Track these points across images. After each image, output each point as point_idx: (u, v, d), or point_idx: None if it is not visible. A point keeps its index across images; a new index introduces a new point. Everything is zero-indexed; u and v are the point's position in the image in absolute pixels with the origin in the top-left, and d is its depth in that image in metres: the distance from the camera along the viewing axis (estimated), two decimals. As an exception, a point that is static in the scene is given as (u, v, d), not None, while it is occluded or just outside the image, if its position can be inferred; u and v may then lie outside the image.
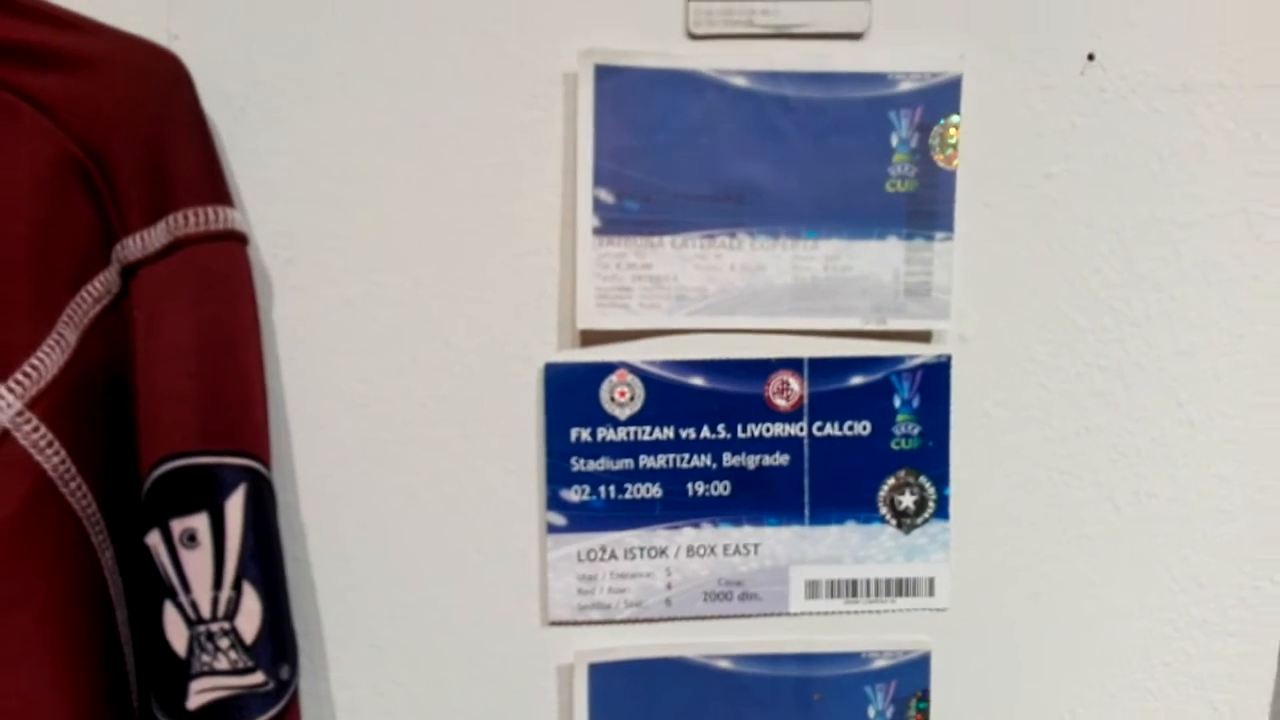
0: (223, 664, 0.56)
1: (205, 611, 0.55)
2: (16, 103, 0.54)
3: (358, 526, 0.63)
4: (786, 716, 0.66)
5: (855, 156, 0.62)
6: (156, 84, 0.55)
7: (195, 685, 0.56)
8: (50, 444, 0.53)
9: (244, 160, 0.60)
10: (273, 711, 0.55)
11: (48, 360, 0.53)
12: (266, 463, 0.57)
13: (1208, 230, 0.65)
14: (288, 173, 0.60)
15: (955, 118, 0.62)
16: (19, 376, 0.52)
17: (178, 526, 0.55)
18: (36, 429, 0.52)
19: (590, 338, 0.63)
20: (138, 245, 0.55)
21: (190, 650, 0.55)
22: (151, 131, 0.55)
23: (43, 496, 0.53)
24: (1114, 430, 0.66)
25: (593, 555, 0.64)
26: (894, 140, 0.63)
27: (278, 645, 0.56)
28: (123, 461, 0.57)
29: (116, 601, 0.57)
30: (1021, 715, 0.68)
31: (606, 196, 0.62)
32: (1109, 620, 0.68)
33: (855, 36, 0.62)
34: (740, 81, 0.62)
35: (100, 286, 0.56)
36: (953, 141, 0.63)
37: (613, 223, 0.62)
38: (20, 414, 0.52)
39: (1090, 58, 0.63)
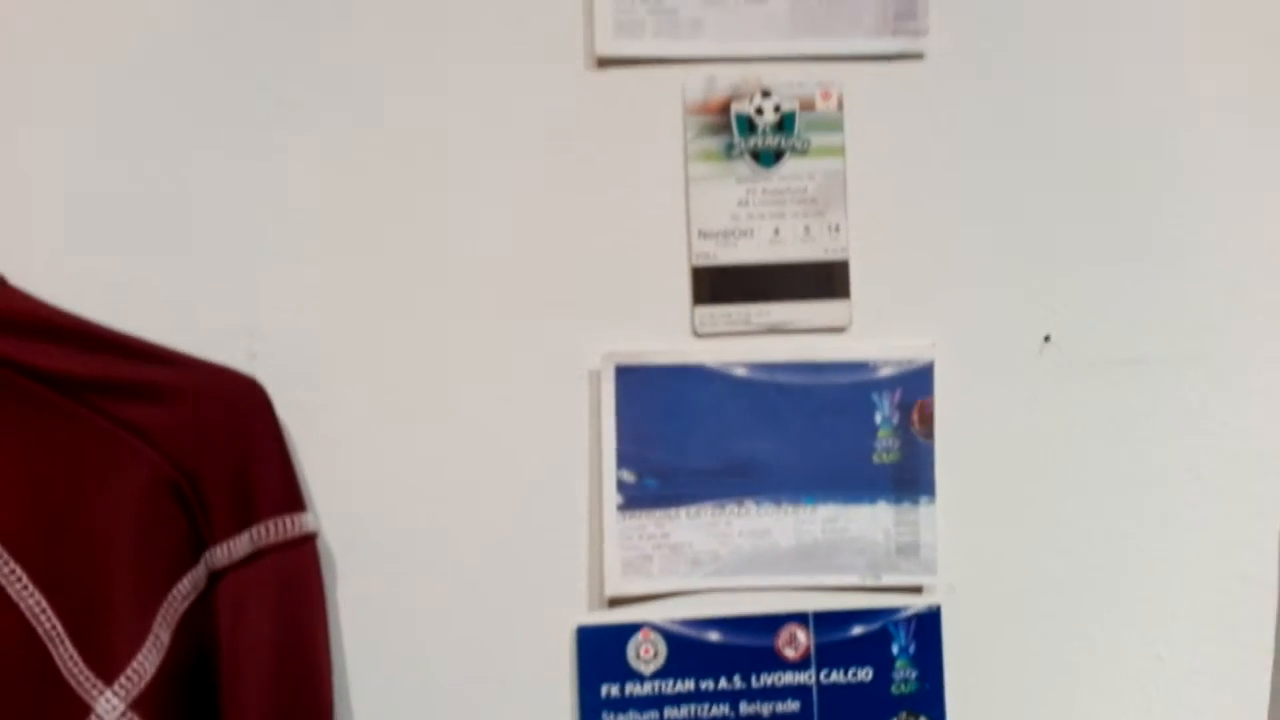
0: None
1: None
2: (120, 432, 0.63)
3: None
4: None
5: (845, 433, 0.71)
6: (239, 409, 0.65)
7: None
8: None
9: (314, 457, 0.69)
10: None
11: (147, 662, 0.61)
12: None
13: (1161, 485, 0.73)
14: (352, 467, 0.69)
15: (930, 397, 0.71)
16: (124, 680, 0.60)
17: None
18: None
19: (616, 600, 0.71)
20: (225, 553, 0.63)
21: None
22: (236, 451, 0.64)
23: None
24: (1093, 668, 0.73)
25: (624, 803, 0.70)
26: (878, 418, 0.71)
27: None
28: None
29: None
30: None
31: (628, 476, 0.70)
32: None
33: (839, 330, 0.71)
34: (741, 372, 0.71)
35: (189, 585, 0.64)
36: (929, 417, 0.71)
37: (634, 499, 0.70)
38: (124, 715, 0.60)
39: (1046, 339, 0.72)
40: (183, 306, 0.68)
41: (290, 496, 0.65)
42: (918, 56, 0.70)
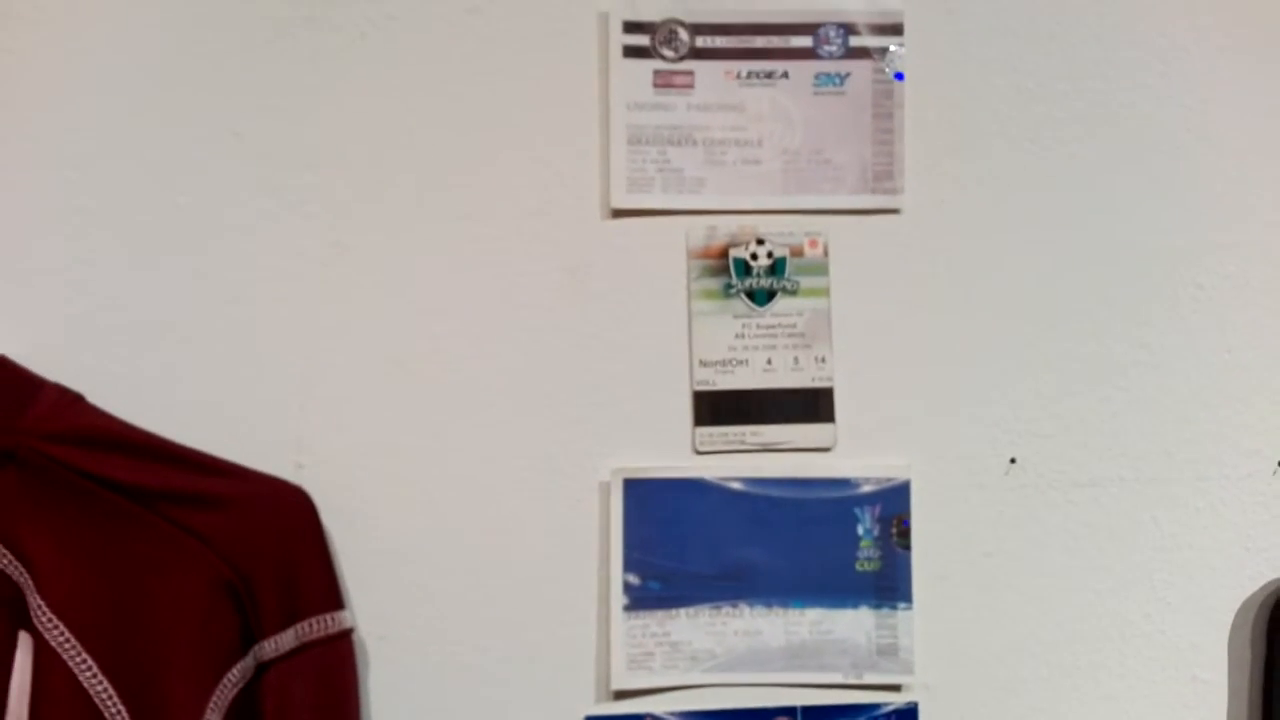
0: None
1: None
2: (182, 536, 0.71)
3: None
4: None
5: (830, 543, 0.79)
6: (288, 515, 0.73)
7: None
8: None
9: (352, 560, 0.77)
10: None
11: None
12: None
13: (1119, 596, 0.80)
14: (385, 569, 0.77)
15: (907, 512, 0.79)
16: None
17: None
18: None
19: (622, 694, 0.77)
20: (272, 647, 0.71)
21: None
22: (284, 554, 0.72)
23: None
24: None
25: None
26: (860, 530, 0.79)
27: None
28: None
29: None
30: None
31: (633, 579, 0.78)
32: None
33: (825, 450, 0.79)
34: (737, 486, 0.79)
35: (239, 674, 0.71)
36: (907, 530, 0.79)
37: (639, 600, 0.77)
38: None
39: (1012, 461, 0.80)
40: (238, 422, 0.76)
41: (332, 596, 0.73)
42: (894, 211, 0.80)
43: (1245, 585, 0.80)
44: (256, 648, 0.71)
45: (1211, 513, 0.80)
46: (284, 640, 0.71)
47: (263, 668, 0.71)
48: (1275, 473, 0.80)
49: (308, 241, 0.77)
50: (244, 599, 0.71)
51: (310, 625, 0.71)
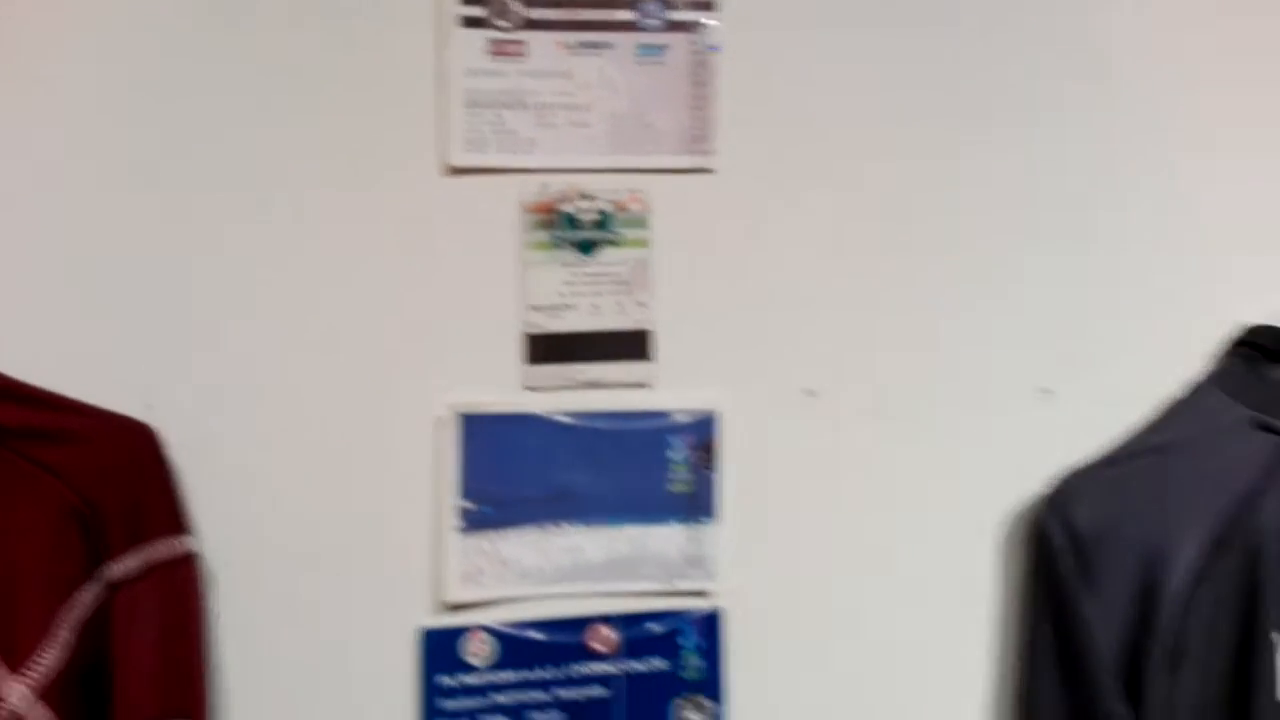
0: None
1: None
2: (35, 469, 0.76)
3: None
4: None
5: (646, 468, 0.88)
6: (134, 449, 0.78)
7: None
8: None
9: (201, 491, 0.82)
10: None
11: (53, 659, 0.73)
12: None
13: (905, 513, 0.91)
14: (230, 497, 0.82)
15: (715, 440, 0.88)
16: (32, 673, 0.71)
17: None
18: (44, 714, 0.71)
19: (455, 606, 0.85)
20: (120, 569, 0.76)
21: None
22: (131, 484, 0.77)
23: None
24: (846, 652, 0.90)
25: (459, 773, 0.84)
26: (672, 455, 0.88)
27: None
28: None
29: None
30: None
31: (467, 504, 0.85)
32: None
33: (643, 385, 0.88)
34: (563, 419, 0.87)
35: (90, 596, 0.76)
36: (713, 455, 0.88)
37: (472, 522, 0.85)
38: (34, 704, 0.71)
39: (809, 393, 0.90)
40: (90, 367, 0.81)
41: (176, 522, 0.79)
42: (709, 171, 0.89)
43: (1011, 501, 0.92)
44: (105, 568, 0.76)
45: (983, 437, 0.92)
46: (130, 563, 0.76)
47: (114, 590, 0.76)
48: (1038, 401, 0.93)
49: (154, 193, 0.82)
50: (92, 526, 0.76)
51: (155, 548, 0.76)
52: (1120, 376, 0.92)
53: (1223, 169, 0.94)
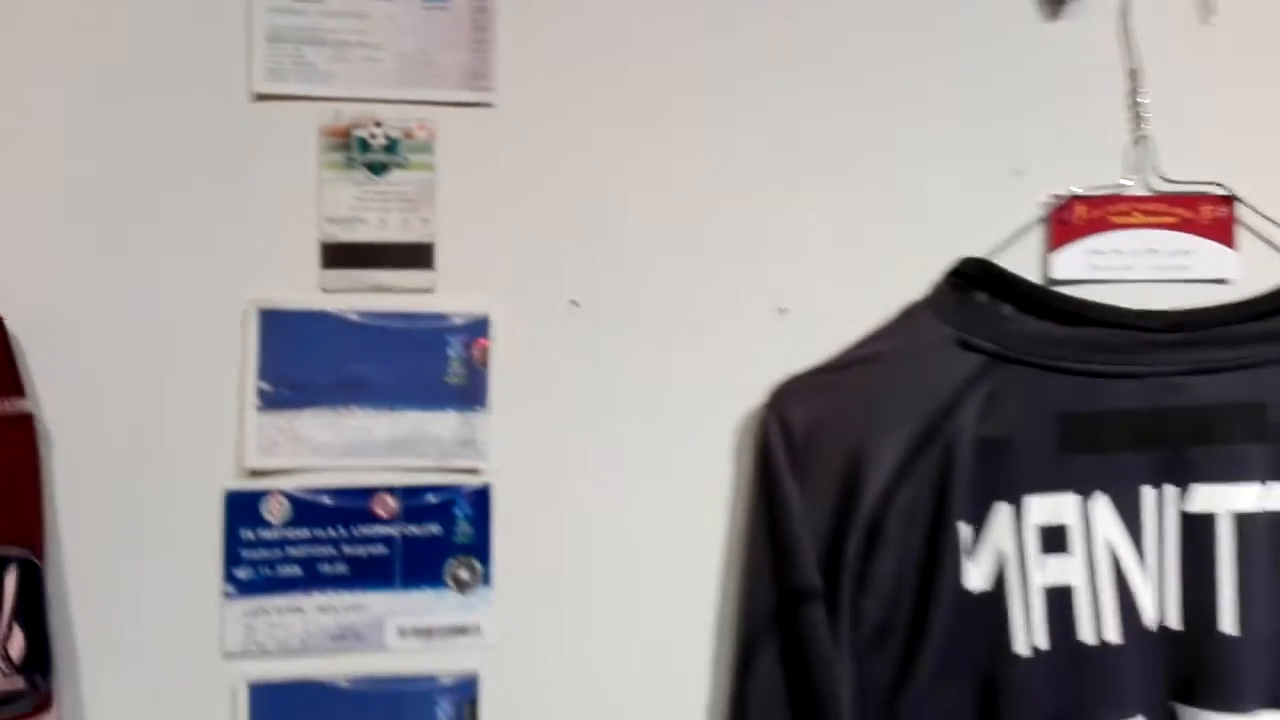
0: (-1, 673, 0.89)
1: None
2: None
3: (97, 590, 0.97)
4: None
5: (427, 362, 1.02)
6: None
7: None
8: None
9: (38, 368, 0.97)
10: (28, 705, 0.88)
11: None
12: (37, 552, 0.92)
13: (654, 412, 1.05)
14: (64, 372, 0.97)
15: (486, 340, 1.02)
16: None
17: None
18: None
19: (256, 472, 1.00)
20: (-43, 425, 0.91)
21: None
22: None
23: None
24: (607, 540, 1.04)
25: (254, 613, 0.99)
26: (450, 352, 1.02)
27: (36, 664, 0.90)
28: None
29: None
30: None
31: (267, 386, 0.99)
32: (617, 637, 1.05)
33: (427, 290, 1.02)
34: (354, 317, 1.01)
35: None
36: (485, 353, 1.02)
37: (270, 402, 1.00)
38: None
39: (573, 303, 1.03)
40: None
41: (12, 384, 0.93)
42: (489, 105, 1.02)
43: (747, 404, 1.04)
44: (-54, 423, 0.91)
45: (726, 348, 1.05)
46: (-32, 420, 0.92)
47: None
48: (775, 318, 1.05)
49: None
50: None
51: (-7, 406, 0.92)
52: (847, 299, 1.05)
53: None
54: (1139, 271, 1.06)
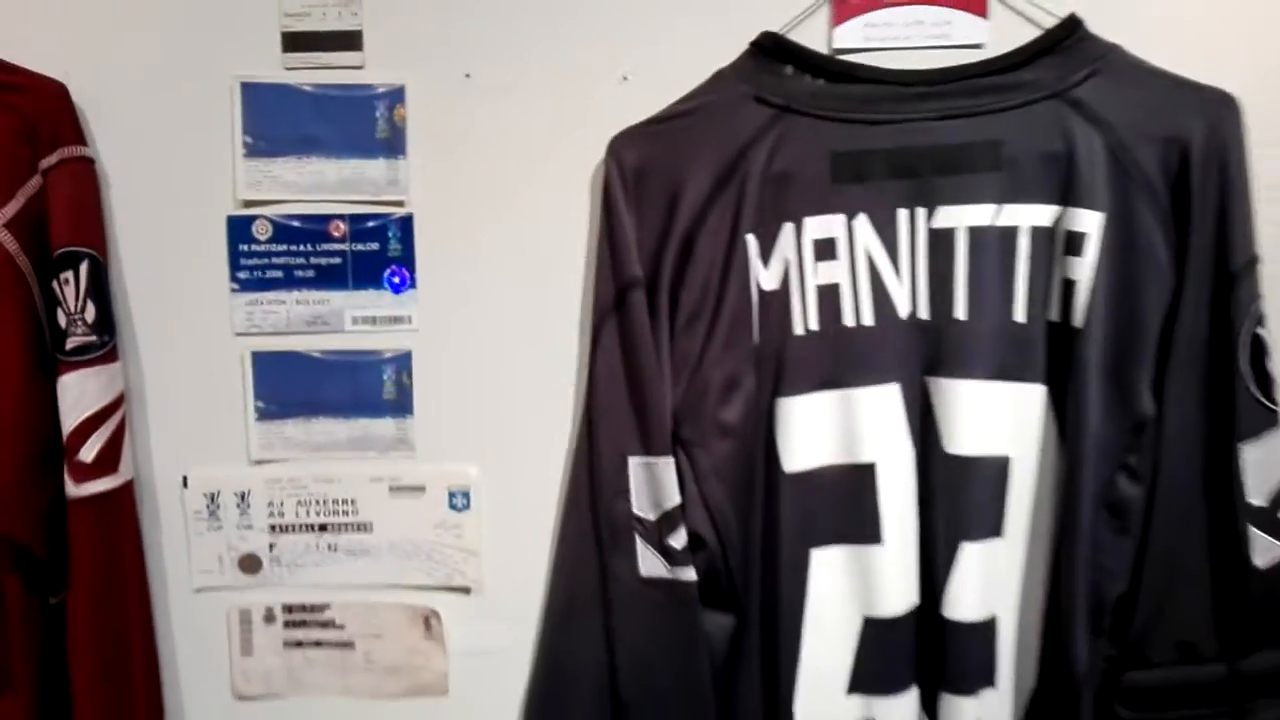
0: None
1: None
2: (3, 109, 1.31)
3: (143, 284, 1.41)
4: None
5: (361, 121, 1.37)
6: (55, 98, 1.35)
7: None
8: (16, 249, 1.30)
9: (98, 122, 1.36)
10: (102, 353, 1.33)
11: (14, 205, 1.30)
12: (101, 252, 1.35)
13: (542, 180, 1.37)
14: (118, 129, 1.38)
15: (403, 106, 1.35)
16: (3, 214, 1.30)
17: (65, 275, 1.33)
18: (11, 240, 1.29)
19: (249, 204, 1.38)
20: (49, 162, 1.33)
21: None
22: (54, 115, 1.34)
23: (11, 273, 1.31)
24: (507, 251, 1.39)
25: (253, 304, 1.42)
26: (378, 115, 1.37)
27: (105, 328, 1.34)
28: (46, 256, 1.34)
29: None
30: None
31: (250, 139, 1.37)
32: (511, 325, 1.41)
33: (359, 68, 1.35)
34: (309, 88, 1.37)
35: (34, 182, 1.32)
36: (403, 114, 1.35)
37: (251, 151, 1.38)
38: (3, 230, 1.29)
39: (467, 76, 1.34)
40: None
41: (79, 135, 1.36)
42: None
43: (597, 157, 1.36)
44: (40, 163, 1.33)
45: (581, 110, 1.36)
46: (54, 159, 1.33)
47: (44, 175, 1.33)
48: (620, 84, 1.35)
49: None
50: (32, 138, 1.32)
51: (67, 150, 1.34)
52: (681, 67, 1.33)
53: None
54: (908, 40, 1.29)
